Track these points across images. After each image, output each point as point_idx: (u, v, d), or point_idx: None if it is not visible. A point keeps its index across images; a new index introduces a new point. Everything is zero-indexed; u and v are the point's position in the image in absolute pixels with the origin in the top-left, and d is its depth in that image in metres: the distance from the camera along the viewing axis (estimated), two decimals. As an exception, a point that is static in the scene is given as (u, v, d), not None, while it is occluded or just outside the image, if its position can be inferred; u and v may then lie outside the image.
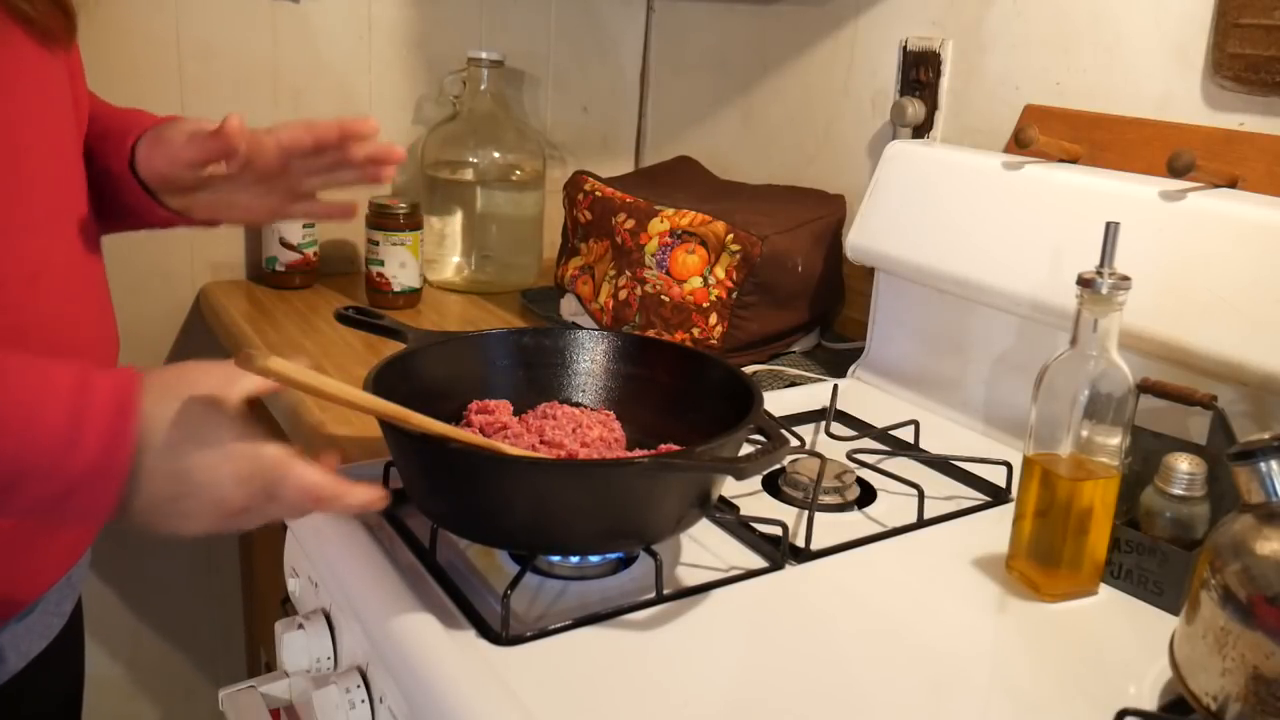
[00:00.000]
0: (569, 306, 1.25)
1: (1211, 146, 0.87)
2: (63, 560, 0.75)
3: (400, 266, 1.27)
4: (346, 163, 0.76)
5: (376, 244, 1.27)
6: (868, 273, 1.11)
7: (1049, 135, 0.97)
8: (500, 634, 0.62)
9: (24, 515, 0.61)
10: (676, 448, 0.72)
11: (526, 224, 1.41)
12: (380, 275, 1.27)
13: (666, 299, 1.12)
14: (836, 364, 1.15)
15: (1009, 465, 0.84)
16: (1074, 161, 0.96)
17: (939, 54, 1.13)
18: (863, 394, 1.06)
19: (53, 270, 0.68)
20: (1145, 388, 0.73)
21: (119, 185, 0.78)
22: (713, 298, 1.10)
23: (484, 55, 1.35)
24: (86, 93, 0.79)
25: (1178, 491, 0.69)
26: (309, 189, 0.80)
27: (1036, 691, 0.61)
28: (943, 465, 0.89)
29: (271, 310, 1.26)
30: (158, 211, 0.79)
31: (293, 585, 0.79)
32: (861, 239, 1.07)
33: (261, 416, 1.19)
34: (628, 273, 1.15)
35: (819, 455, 0.87)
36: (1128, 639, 0.67)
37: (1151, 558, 0.69)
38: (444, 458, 0.65)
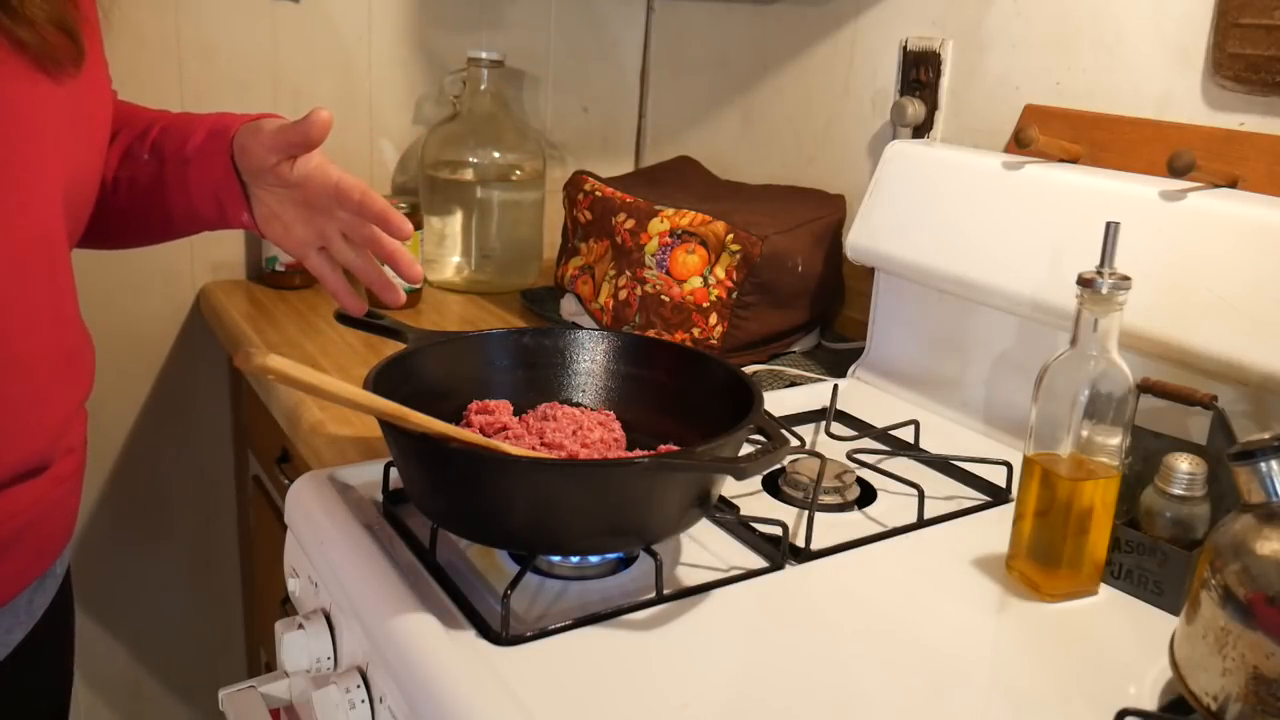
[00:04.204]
0: (569, 306, 1.25)
1: (1211, 146, 0.87)
2: (6, 586, 0.71)
3: (400, 266, 1.27)
4: (373, 248, 0.79)
5: (376, 244, 1.26)
6: (868, 273, 1.11)
7: (1049, 135, 0.97)
8: (500, 634, 0.62)
9: None
10: (676, 448, 0.72)
11: (526, 224, 1.41)
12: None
13: (666, 299, 1.12)
14: (836, 364, 1.15)
15: (1009, 465, 0.84)
16: (1074, 161, 0.96)
17: (939, 54, 1.13)
18: (863, 394, 1.06)
19: None
20: (1145, 388, 0.73)
21: (202, 175, 0.78)
22: (713, 298, 1.10)
23: (484, 55, 1.35)
24: (105, 117, 0.75)
25: (1178, 491, 0.69)
26: (337, 248, 0.81)
27: (1036, 691, 0.61)
28: (943, 465, 0.89)
29: (271, 310, 1.26)
30: (237, 205, 0.79)
31: (293, 585, 0.79)
32: (861, 239, 1.07)
33: (261, 415, 1.19)
34: (628, 273, 1.15)
35: (819, 455, 0.86)
36: (1128, 639, 0.67)
37: (1151, 558, 0.69)
38: (444, 457, 0.65)
